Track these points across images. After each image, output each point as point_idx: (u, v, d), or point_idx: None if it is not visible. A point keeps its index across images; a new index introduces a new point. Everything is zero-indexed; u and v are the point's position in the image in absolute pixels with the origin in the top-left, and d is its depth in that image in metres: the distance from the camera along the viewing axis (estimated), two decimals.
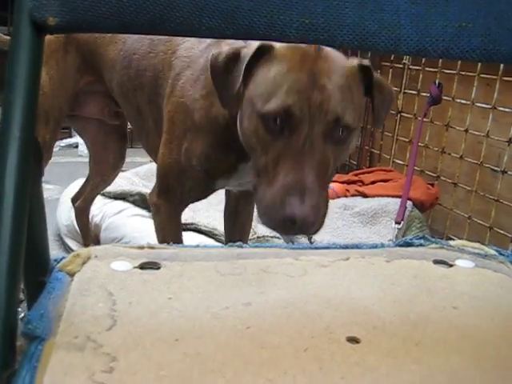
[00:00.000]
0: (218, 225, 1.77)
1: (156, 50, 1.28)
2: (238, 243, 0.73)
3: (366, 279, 0.65)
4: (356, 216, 2.08)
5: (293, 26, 0.61)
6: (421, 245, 0.76)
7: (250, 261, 0.69)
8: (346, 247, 0.76)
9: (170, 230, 1.27)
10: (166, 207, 1.23)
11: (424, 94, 2.28)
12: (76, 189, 2.16)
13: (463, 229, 2.11)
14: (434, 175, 2.32)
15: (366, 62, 0.96)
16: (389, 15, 0.59)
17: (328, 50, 0.94)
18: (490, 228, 2.00)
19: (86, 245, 1.91)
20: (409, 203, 2.10)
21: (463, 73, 2.13)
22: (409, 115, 2.44)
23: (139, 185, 2.18)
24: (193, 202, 1.25)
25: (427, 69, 2.29)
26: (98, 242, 1.93)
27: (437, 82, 2.01)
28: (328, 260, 0.69)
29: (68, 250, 2.03)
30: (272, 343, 0.51)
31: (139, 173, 2.30)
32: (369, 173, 2.51)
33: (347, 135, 0.88)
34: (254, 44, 0.93)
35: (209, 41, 1.16)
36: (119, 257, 0.66)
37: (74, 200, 1.91)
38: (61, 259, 0.64)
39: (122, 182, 2.11)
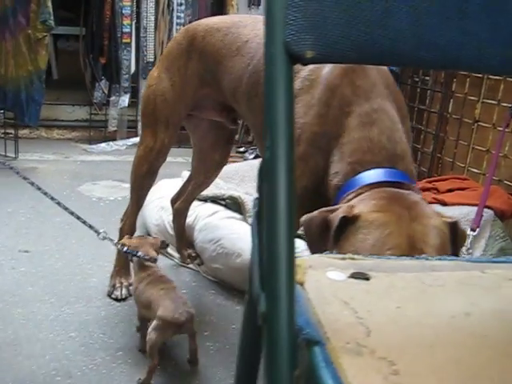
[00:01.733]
0: None
1: None
2: (423, 256, 0.78)
3: None
4: None
5: (496, 59, 0.66)
6: None
7: (444, 273, 0.74)
8: None
9: None
10: None
11: (505, 105, 2.29)
12: (160, 189, 2.26)
13: None
14: None
15: (453, 219, 1.00)
16: None
17: (419, 209, 0.96)
18: None
19: (179, 246, 1.99)
20: (490, 212, 2.12)
21: None
22: (487, 125, 2.45)
23: (224, 187, 2.25)
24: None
25: (509, 79, 2.30)
26: (190, 243, 2.01)
27: None
28: None
29: None
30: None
31: (221, 175, 2.37)
32: (443, 180, 2.53)
33: None
34: (339, 213, 0.97)
35: (330, 66, 1.19)
36: (329, 267, 0.72)
37: (173, 201, 1.99)
38: None
39: None
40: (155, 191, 2.26)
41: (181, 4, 3.67)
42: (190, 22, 3.70)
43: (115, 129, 3.72)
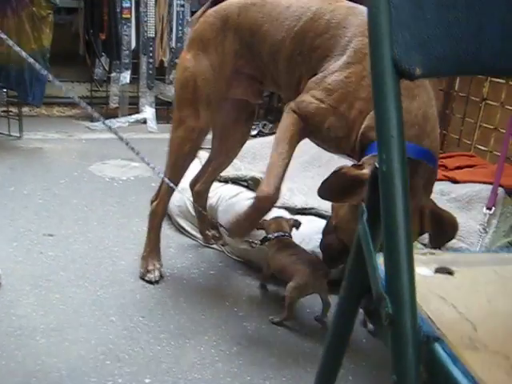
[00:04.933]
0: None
1: (331, 32, 1.40)
2: (494, 249, 0.84)
3: None
4: (452, 202, 2.17)
5: None
6: None
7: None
8: None
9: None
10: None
11: None
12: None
13: None
14: None
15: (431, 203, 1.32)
16: None
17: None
18: None
19: (201, 227, 2.02)
20: (501, 190, 2.19)
21: None
22: (495, 103, 2.50)
23: (241, 167, 2.28)
24: None
25: None
26: (212, 224, 2.04)
27: None
28: None
29: (180, 229, 2.15)
30: None
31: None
32: (450, 157, 2.59)
33: None
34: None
35: None
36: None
37: (192, 185, 2.01)
38: None
39: None
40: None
41: None
42: None
43: (117, 105, 3.70)
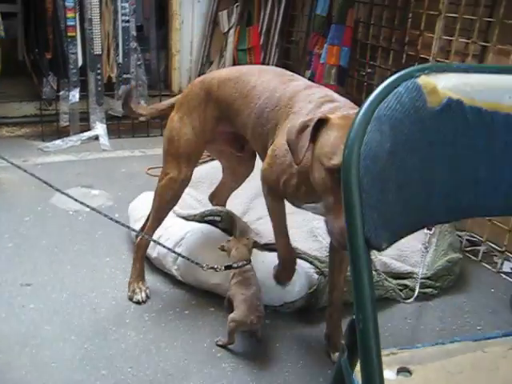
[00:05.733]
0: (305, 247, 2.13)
1: (280, 104, 1.60)
2: (455, 338, 1.05)
3: None
4: None
5: None
6: None
7: (459, 357, 1.01)
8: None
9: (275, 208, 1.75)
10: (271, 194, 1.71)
11: None
12: (143, 204, 2.41)
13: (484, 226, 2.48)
14: None
15: None
16: None
17: None
18: (510, 230, 2.38)
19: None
20: None
21: None
22: None
23: (198, 197, 2.46)
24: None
25: None
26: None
27: None
28: None
29: (152, 261, 2.28)
30: None
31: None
32: None
33: None
34: (316, 117, 1.37)
35: (314, 103, 1.57)
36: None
37: (211, 199, 2.41)
38: None
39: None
40: (140, 207, 2.41)
41: None
42: (134, 12, 3.70)
43: (67, 123, 3.71)
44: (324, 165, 1.33)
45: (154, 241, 2.00)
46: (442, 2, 2.58)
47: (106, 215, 1.80)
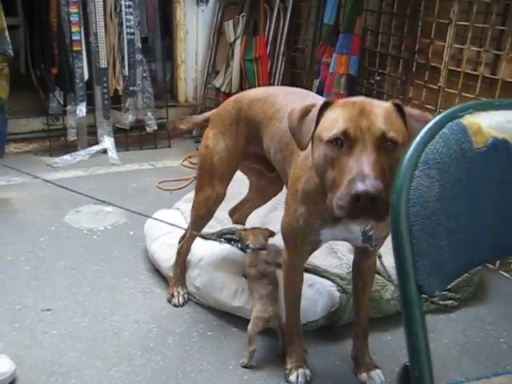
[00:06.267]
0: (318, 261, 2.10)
1: None
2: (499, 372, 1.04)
3: None
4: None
5: None
6: None
7: None
8: None
9: (289, 280, 1.73)
10: (288, 261, 1.68)
11: None
12: (160, 223, 2.39)
13: None
14: None
15: (398, 101, 1.36)
16: None
17: (371, 99, 1.35)
18: None
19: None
20: None
21: None
22: None
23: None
24: (308, 254, 1.67)
25: (464, 94, 2.58)
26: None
27: None
28: None
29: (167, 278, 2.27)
30: None
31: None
32: None
33: (394, 147, 1.25)
34: (321, 100, 1.38)
35: None
36: None
37: (231, 214, 2.40)
38: None
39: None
40: (156, 226, 2.39)
41: (129, 6, 3.61)
42: (139, 24, 3.69)
43: (75, 138, 3.70)
44: (323, 139, 1.29)
45: (202, 236, 2.14)
46: (452, 11, 2.57)
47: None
